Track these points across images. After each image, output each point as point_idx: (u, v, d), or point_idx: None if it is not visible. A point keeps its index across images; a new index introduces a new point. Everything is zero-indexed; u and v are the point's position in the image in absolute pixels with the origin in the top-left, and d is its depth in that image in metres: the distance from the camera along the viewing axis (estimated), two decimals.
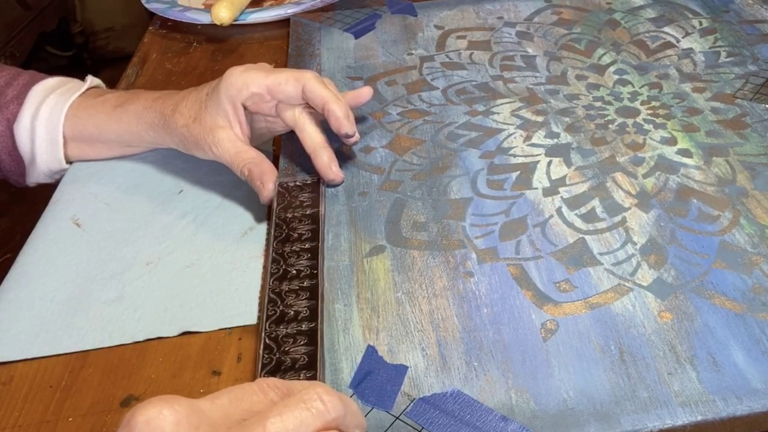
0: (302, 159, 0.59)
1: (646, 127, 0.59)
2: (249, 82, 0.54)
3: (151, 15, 0.90)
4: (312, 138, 0.55)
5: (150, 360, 0.45)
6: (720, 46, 0.69)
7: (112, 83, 0.78)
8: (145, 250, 0.53)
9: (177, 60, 0.79)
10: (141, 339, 0.47)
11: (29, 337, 0.47)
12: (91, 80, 0.65)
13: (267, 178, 0.53)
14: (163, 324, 0.47)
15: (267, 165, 0.54)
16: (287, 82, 0.53)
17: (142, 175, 0.62)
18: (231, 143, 0.55)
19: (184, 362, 0.45)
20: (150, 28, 0.88)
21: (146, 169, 0.62)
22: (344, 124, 0.53)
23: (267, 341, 0.42)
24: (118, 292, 0.50)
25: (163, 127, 0.57)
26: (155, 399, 0.30)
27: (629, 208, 0.51)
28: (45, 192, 0.63)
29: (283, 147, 0.60)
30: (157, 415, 0.29)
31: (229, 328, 0.47)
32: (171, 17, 0.86)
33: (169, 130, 0.57)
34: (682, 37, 0.71)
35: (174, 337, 0.47)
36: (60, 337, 0.47)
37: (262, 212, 0.56)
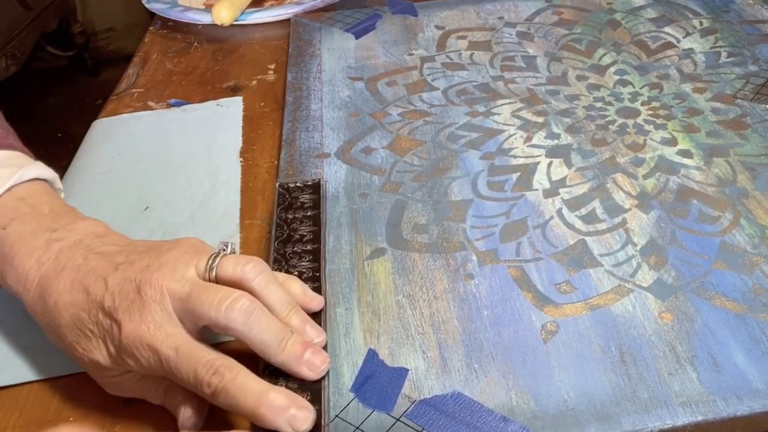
0: (303, 159, 0.59)
1: (647, 127, 0.59)
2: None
3: (152, 15, 0.90)
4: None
5: None
6: (720, 47, 0.69)
7: (112, 83, 0.78)
8: None
9: (178, 60, 0.79)
10: None
11: (27, 359, 0.46)
12: (22, 174, 0.46)
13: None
14: None
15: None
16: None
17: (104, 191, 0.59)
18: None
19: None
20: (151, 28, 0.88)
21: (109, 184, 0.59)
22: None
23: None
24: None
25: None
26: (69, 423, 0.35)
27: (629, 209, 0.51)
28: None
29: (283, 147, 0.60)
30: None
31: (220, 343, 0.43)
32: (172, 17, 0.87)
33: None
34: (683, 38, 0.71)
35: None
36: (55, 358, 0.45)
37: (234, 225, 0.54)
